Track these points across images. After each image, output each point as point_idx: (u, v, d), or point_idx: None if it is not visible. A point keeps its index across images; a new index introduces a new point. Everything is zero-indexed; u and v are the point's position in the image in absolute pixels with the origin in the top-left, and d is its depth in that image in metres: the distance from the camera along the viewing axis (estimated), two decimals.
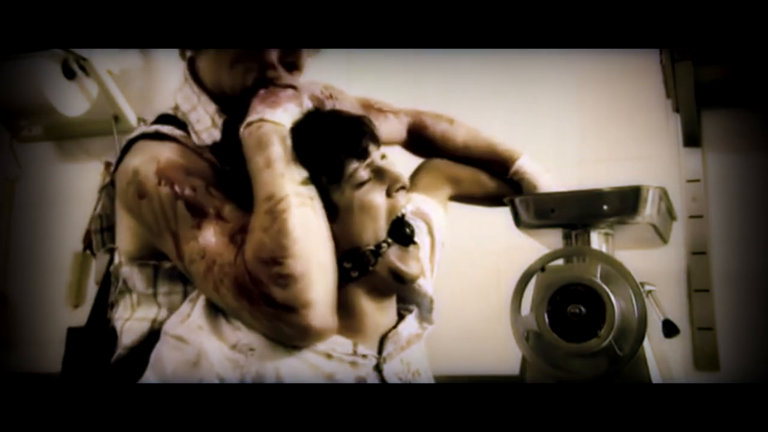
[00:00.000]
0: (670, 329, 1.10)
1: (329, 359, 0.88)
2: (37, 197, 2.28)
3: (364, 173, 0.91)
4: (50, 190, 2.27)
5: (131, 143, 1.01)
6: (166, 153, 0.96)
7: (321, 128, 0.93)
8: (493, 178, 1.26)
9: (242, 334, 0.85)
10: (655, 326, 1.09)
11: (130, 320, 0.99)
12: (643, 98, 1.74)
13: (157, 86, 2.23)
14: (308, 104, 0.98)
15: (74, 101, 2.12)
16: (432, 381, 1.01)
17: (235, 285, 0.84)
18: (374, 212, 0.91)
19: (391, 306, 0.97)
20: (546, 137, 1.79)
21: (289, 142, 0.91)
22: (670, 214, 1.20)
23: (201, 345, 0.83)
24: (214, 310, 0.88)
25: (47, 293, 2.16)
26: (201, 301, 0.89)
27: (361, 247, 0.90)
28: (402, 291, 1.01)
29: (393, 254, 0.92)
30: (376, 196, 0.91)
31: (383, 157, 0.94)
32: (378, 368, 0.92)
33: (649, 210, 1.06)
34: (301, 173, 0.89)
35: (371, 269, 0.91)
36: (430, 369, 1.02)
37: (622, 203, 1.07)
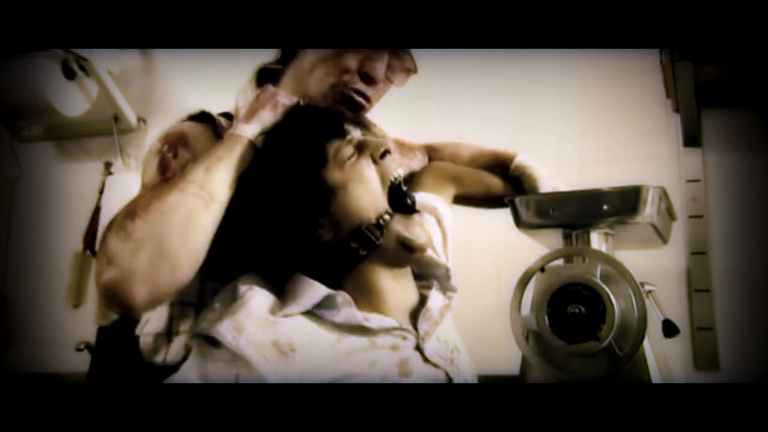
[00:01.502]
0: (670, 329, 1.10)
1: (373, 346, 0.87)
2: (37, 197, 2.28)
3: (347, 150, 0.93)
4: (50, 190, 2.27)
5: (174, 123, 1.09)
6: (189, 125, 1.05)
7: (300, 119, 0.98)
8: (494, 177, 1.27)
9: (281, 331, 0.85)
10: (655, 326, 1.09)
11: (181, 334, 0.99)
12: (643, 98, 1.74)
13: (157, 86, 2.24)
14: (285, 102, 1.01)
15: (74, 101, 2.12)
16: (467, 356, 1.01)
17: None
18: (366, 183, 0.92)
19: (408, 280, 0.98)
20: (546, 137, 1.79)
21: (248, 155, 0.95)
22: (670, 214, 1.20)
23: (239, 347, 0.81)
24: (252, 308, 0.87)
25: (47, 293, 2.17)
26: (242, 300, 0.88)
27: (363, 223, 0.91)
28: (416, 264, 1.01)
29: (398, 224, 0.92)
30: (364, 167, 0.93)
31: (369, 128, 0.98)
32: (419, 348, 0.92)
33: (649, 210, 1.06)
34: (226, 186, 0.91)
35: (379, 244, 0.91)
36: (461, 341, 1.02)
37: (622, 203, 1.07)
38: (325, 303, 0.89)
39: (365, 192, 0.92)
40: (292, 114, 1.00)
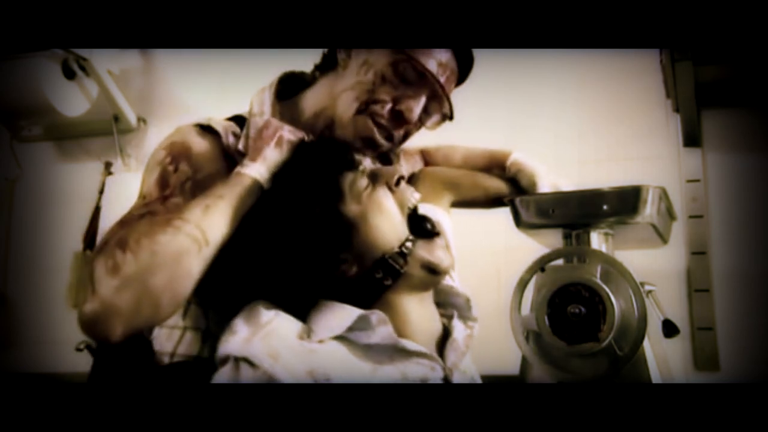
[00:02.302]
0: (670, 329, 1.10)
1: (404, 379, 0.87)
2: (37, 197, 2.28)
3: (362, 181, 0.92)
4: (50, 190, 2.27)
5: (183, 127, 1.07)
6: (194, 138, 1.03)
7: (308, 155, 0.97)
8: (491, 178, 1.26)
9: (317, 360, 0.83)
10: (655, 326, 1.09)
11: (188, 330, 0.99)
12: (643, 98, 1.74)
13: (157, 86, 2.24)
14: (290, 138, 0.99)
15: (74, 101, 2.12)
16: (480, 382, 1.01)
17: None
18: (384, 211, 0.91)
19: (432, 307, 0.97)
20: (546, 137, 1.79)
21: (251, 195, 0.94)
22: (670, 214, 1.20)
23: (275, 374, 0.80)
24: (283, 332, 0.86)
25: (47, 293, 2.16)
26: (272, 324, 0.86)
27: (386, 252, 0.90)
28: (436, 293, 1.00)
29: (421, 249, 0.92)
30: (381, 196, 0.92)
31: (395, 157, 0.96)
32: (446, 379, 0.91)
33: (649, 210, 1.06)
34: (223, 228, 0.90)
35: (403, 272, 0.90)
36: (476, 370, 1.02)
37: (622, 203, 1.07)
38: (359, 325, 0.87)
39: (385, 221, 0.91)
40: (299, 150, 0.98)
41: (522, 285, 1.08)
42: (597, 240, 1.12)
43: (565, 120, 1.80)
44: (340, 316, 0.88)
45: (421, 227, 0.94)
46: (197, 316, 0.98)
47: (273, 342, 0.83)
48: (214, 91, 2.09)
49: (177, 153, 1.01)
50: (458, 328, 0.98)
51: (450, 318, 0.99)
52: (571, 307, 1.03)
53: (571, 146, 1.77)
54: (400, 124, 1.04)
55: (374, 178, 0.94)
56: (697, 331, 1.59)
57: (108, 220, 2.07)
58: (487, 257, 1.74)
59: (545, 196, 1.17)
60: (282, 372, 0.80)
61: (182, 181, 0.96)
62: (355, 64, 1.05)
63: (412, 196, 0.95)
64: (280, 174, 0.96)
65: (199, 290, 0.90)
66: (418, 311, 0.93)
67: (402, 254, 0.90)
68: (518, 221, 1.16)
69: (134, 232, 0.87)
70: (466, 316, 1.00)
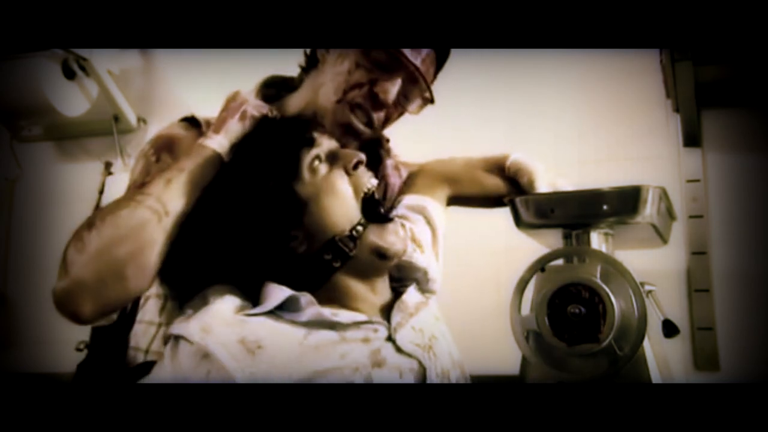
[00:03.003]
0: (670, 329, 1.10)
1: (343, 340, 0.88)
2: (37, 197, 2.28)
3: (318, 161, 0.94)
4: (50, 190, 2.27)
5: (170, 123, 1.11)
6: (177, 131, 1.07)
7: (269, 130, 0.99)
8: (490, 175, 1.26)
9: (248, 329, 0.85)
10: (655, 326, 1.09)
11: (164, 326, 0.99)
12: (643, 98, 1.74)
13: (157, 86, 2.24)
14: (253, 113, 1.01)
15: (74, 101, 2.12)
16: (453, 345, 1.01)
17: None
18: (339, 194, 0.93)
19: (383, 285, 0.99)
20: (546, 137, 1.79)
21: (212, 166, 0.95)
22: (670, 214, 1.20)
23: (207, 345, 0.82)
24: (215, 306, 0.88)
25: (47, 293, 2.16)
26: (210, 302, 0.89)
27: (336, 234, 0.91)
28: (395, 269, 1.02)
29: (372, 234, 0.93)
30: (336, 178, 0.94)
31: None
32: (390, 338, 0.92)
33: (649, 210, 1.06)
34: (184, 199, 0.92)
35: (352, 255, 0.92)
36: (448, 332, 1.02)
37: (622, 203, 1.07)
38: (289, 305, 0.89)
39: (338, 203, 0.93)
40: (261, 125, 1.00)
41: (522, 285, 1.08)
42: (597, 240, 1.11)
43: (565, 120, 1.80)
44: (273, 294, 0.90)
45: (374, 212, 0.95)
46: (173, 314, 0.99)
47: (207, 318, 0.86)
48: (214, 91, 2.07)
49: (160, 145, 1.04)
50: (411, 292, 0.99)
51: (406, 287, 1.01)
52: (571, 307, 1.03)
53: (571, 146, 1.77)
54: (378, 107, 1.06)
55: (332, 159, 0.95)
56: (697, 331, 1.59)
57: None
58: (487, 257, 1.74)
59: (545, 196, 1.17)
60: (214, 343, 0.82)
61: (162, 170, 0.97)
62: (331, 56, 1.08)
63: (369, 181, 0.96)
64: (239, 147, 0.98)
65: (171, 281, 0.93)
66: (366, 292, 0.95)
67: (352, 237, 0.92)
68: (518, 221, 1.16)
69: (100, 212, 0.90)
70: (424, 288, 1.03)
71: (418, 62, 1.06)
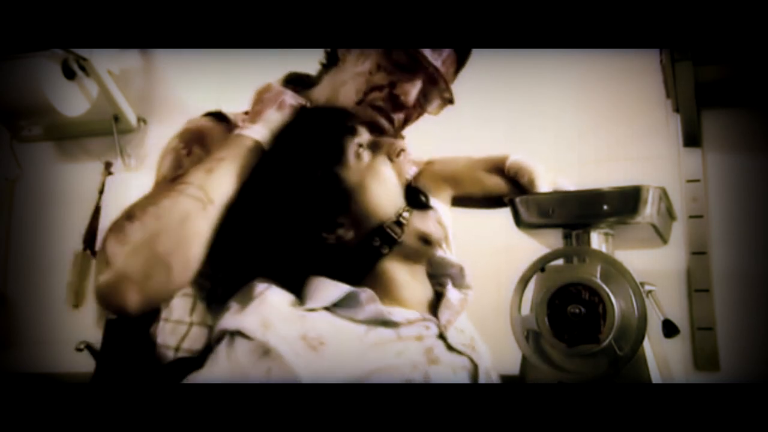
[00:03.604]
0: (670, 329, 1.10)
1: (398, 338, 0.87)
2: (37, 197, 2.28)
3: (362, 149, 0.95)
4: (50, 190, 2.27)
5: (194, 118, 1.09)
6: (206, 124, 1.05)
7: (310, 119, 0.98)
8: (491, 176, 1.26)
9: (309, 325, 0.84)
10: (655, 326, 1.09)
11: (195, 325, 0.99)
12: (643, 98, 1.74)
13: (157, 86, 2.24)
14: (292, 102, 1.00)
15: (74, 101, 2.12)
16: (485, 347, 1.02)
17: None
18: (384, 181, 0.94)
19: (424, 277, 0.99)
20: (546, 137, 1.79)
21: (253, 156, 0.94)
22: (670, 214, 1.20)
23: (268, 341, 0.80)
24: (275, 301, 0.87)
25: (47, 293, 2.17)
26: (264, 295, 0.88)
27: (384, 221, 0.92)
28: (430, 265, 1.02)
29: (416, 220, 0.94)
30: (381, 165, 0.94)
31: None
32: (441, 336, 0.92)
33: (649, 210, 1.06)
34: (227, 188, 0.90)
35: (400, 241, 0.92)
36: (479, 335, 1.03)
37: (622, 203, 1.07)
38: (348, 302, 0.89)
39: (384, 190, 0.93)
40: (301, 114, 1.00)
41: (522, 285, 1.08)
42: (597, 240, 1.11)
43: (565, 120, 1.80)
44: (330, 289, 0.89)
45: (416, 199, 0.96)
46: (204, 312, 0.98)
47: (264, 312, 0.84)
48: (214, 91, 2.09)
49: (190, 138, 1.02)
50: (452, 291, 1.00)
51: (444, 286, 1.01)
52: (571, 308, 1.03)
53: (571, 146, 1.77)
54: (398, 109, 1.06)
55: (375, 147, 0.96)
56: (697, 331, 1.59)
57: (108, 220, 2.07)
58: (487, 257, 1.74)
59: (545, 196, 1.17)
60: (275, 339, 0.80)
61: (195, 162, 0.96)
62: (352, 56, 1.08)
63: (411, 168, 0.99)
64: (281, 136, 0.97)
65: (211, 275, 0.91)
66: (410, 280, 0.95)
67: (399, 223, 0.92)
68: (518, 221, 1.16)
69: (140, 203, 0.88)
70: (460, 284, 1.03)
71: (438, 63, 1.06)
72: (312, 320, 0.85)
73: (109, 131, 2.17)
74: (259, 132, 0.96)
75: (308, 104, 1.02)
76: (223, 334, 0.85)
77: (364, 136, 0.96)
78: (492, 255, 1.73)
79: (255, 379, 0.79)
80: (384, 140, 0.97)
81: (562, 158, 1.75)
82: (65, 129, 2.22)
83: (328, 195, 0.91)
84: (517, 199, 1.15)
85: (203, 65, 2.13)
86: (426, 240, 0.95)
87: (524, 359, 1.09)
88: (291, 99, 1.00)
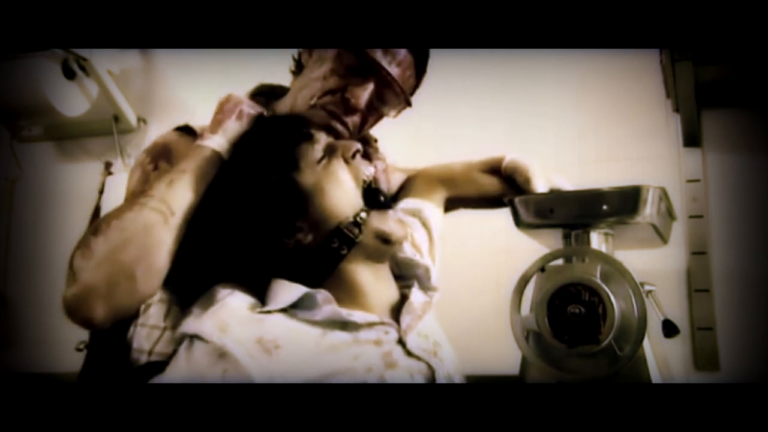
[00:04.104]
0: (670, 329, 1.10)
1: (355, 341, 0.88)
2: (37, 197, 2.28)
3: (317, 152, 0.95)
4: (50, 190, 2.27)
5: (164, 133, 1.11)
6: (172, 138, 1.07)
7: (266, 127, 1.00)
8: (486, 176, 1.26)
9: (265, 328, 0.85)
10: (655, 326, 1.09)
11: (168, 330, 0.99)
12: (643, 98, 1.74)
13: (157, 86, 2.24)
14: (250, 112, 1.02)
15: (74, 101, 2.12)
16: (451, 351, 1.01)
17: None
18: (340, 183, 0.94)
19: (388, 278, 1.00)
20: (546, 137, 1.79)
21: (213, 165, 0.96)
22: (670, 214, 1.20)
23: (225, 344, 0.82)
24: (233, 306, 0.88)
25: (47, 293, 2.16)
26: (222, 300, 0.89)
27: (341, 222, 0.92)
28: (396, 265, 1.03)
29: (374, 220, 0.94)
30: (337, 168, 0.95)
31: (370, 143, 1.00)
32: (401, 341, 0.92)
33: (649, 210, 1.06)
34: (188, 198, 0.93)
35: (358, 241, 0.93)
36: (446, 337, 1.03)
37: (622, 203, 1.07)
38: (305, 303, 0.90)
39: (341, 192, 0.94)
40: (258, 123, 1.02)
41: (522, 285, 1.08)
42: (597, 240, 1.12)
43: (565, 120, 1.80)
44: (287, 291, 0.90)
45: (375, 199, 0.97)
46: (177, 317, 0.99)
47: (222, 316, 0.86)
48: (214, 91, 2.08)
49: (156, 153, 1.05)
50: (416, 294, 1.00)
51: (410, 288, 1.01)
52: (571, 308, 1.03)
53: (571, 146, 1.77)
54: (350, 112, 1.07)
55: (331, 150, 0.97)
56: (697, 331, 1.59)
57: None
58: (487, 257, 1.74)
59: (545, 196, 1.17)
60: (231, 343, 0.82)
61: (162, 174, 0.97)
62: (312, 61, 1.10)
63: (367, 169, 0.98)
64: (239, 145, 0.99)
65: (176, 283, 0.92)
66: (373, 282, 0.96)
67: (356, 224, 0.93)
68: (518, 221, 1.16)
69: (105, 218, 0.90)
70: (426, 286, 1.03)
71: (392, 66, 1.07)
72: (269, 323, 0.86)
73: (109, 131, 2.17)
74: (218, 142, 0.98)
75: (266, 113, 1.05)
76: (183, 337, 0.87)
77: (321, 141, 0.97)
78: (492, 255, 1.73)
79: (212, 380, 0.81)
80: (339, 143, 0.98)
81: (562, 158, 1.75)
82: (65, 129, 2.22)
83: (284, 200, 0.92)
84: (517, 199, 1.15)
85: (203, 65, 2.13)
86: (385, 239, 0.95)
87: (524, 359, 1.09)
88: (249, 108, 1.02)
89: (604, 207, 1.08)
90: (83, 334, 1.97)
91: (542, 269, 1.08)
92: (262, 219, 0.93)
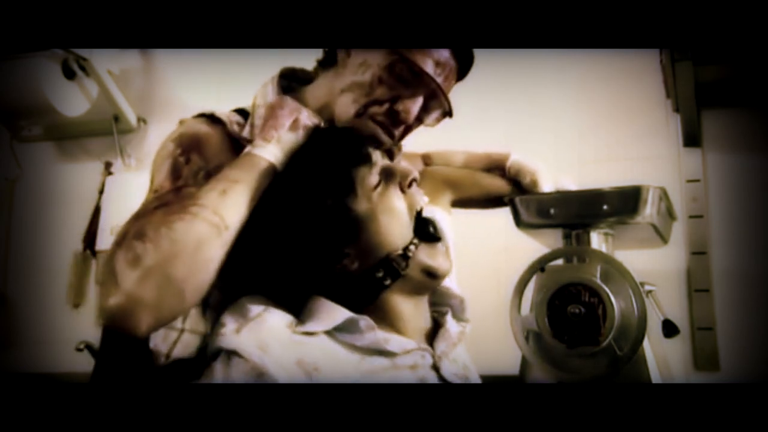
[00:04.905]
0: (670, 329, 1.10)
1: (393, 367, 0.87)
2: (37, 197, 2.28)
3: (374, 177, 0.92)
4: (50, 190, 2.27)
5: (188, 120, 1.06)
6: (202, 128, 1.02)
7: (324, 142, 0.96)
8: (491, 177, 1.26)
9: (306, 350, 0.84)
10: (655, 326, 1.09)
11: (186, 332, 0.98)
12: (643, 98, 1.74)
13: (157, 86, 2.24)
14: (306, 123, 0.98)
15: (74, 101, 2.12)
16: (476, 373, 1.01)
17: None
18: (395, 213, 0.92)
19: (425, 307, 0.98)
20: (546, 137, 1.79)
21: (266, 178, 0.92)
22: (670, 214, 1.20)
23: (265, 365, 0.80)
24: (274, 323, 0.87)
25: (47, 293, 2.17)
26: (262, 316, 0.87)
27: (390, 253, 0.90)
28: (434, 293, 1.01)
29: (422, 253, 0.92)
30: (393, 197, 0.92)
31: (397, 151, 0.98)
32: (435, 367, 0.92)
33: (649, 210, 1.06)
34: (241, 212, 0.88)
35: (404, 274, 0.91)
36: (470, 358, 1.02)
37: (622, 203, 1.07)
38: (348, 327, 0.88)
39: (395, 222, 0.91)
40: (315, 136, 0.97)
41: (522, 285, 1.08)
42: (597, 240, 1.12)
43: (565, 120, 1.80)
44: (331, 313, 0.88)
45: (425, 231, 0.94)
46: (196, 319, 0.98)
47: (262, 334, 0.84)
48: (214, 91, 2.09)
49: (187, 144, 1.00)
50: (451, 322, 0.99)
51: (443, 315, 1.00)
52: (571, 308, 1.03)
53: (571, 146, 1.78)
54: (398, 124, 1.04)
55: (387, 176, 0.93)
56: (697, 331, 1.59)
57: (108, 220, 2.07)
58: (487, 257, 1.74)
59: (545, 196, 1.17)
60: (271, 364, 0.80)
61: (195, 171, 0.95)
62: (353, 63, 1.05)
63: (422, 199, 0.96)
64: (294, 158, 0.95)
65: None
66: (411, 311, 0.94)
67: (405, 256, 0.91)
68: (518, 221, 1.16)
69: (151, 222, 0.85)
70: (459, 317, 1.01)
71: (441, 79, 1.05)
72: (309, 345, 0.85)
73: (109, 131, 2.18)
74: (273, 153, 0.94)
75: (322, 124, 1.00)
76: (219, 351, 0.85)
77: (378, 163, 0.94)
78: (492, 255, 1.73)
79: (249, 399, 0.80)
80: (396, 168, 0.94)
81: (562, 158, 1.75)
82: (65, 129, 2.22)
83: (336, 224, 0.90)
84: (517, 199, 1.15)
85: (203, 65, 2.13)
86: (431, 274, 0.93)
87: (524, 359, 1.09)
88: (306, 119, 0.98)
89: (605, 207, 1.08)
90: (83, 334, 1.98)
91: (542, 269, 1.08)
92: (311, 240, 0.90)
